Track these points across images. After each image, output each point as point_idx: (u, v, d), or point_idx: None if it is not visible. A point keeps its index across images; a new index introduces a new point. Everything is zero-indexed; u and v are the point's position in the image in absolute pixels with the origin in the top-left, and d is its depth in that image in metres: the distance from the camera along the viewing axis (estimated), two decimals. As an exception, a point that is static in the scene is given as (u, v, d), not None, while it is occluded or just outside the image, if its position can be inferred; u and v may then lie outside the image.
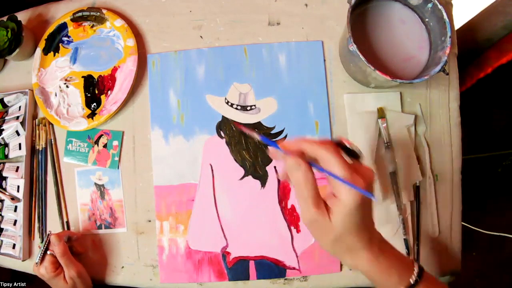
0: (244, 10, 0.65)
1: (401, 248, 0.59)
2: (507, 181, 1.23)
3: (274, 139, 0.61)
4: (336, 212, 0.36)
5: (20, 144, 0.64)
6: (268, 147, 0.43)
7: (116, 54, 0.65)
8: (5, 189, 0.63)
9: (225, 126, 0.62)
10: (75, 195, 0.64)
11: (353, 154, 0.40)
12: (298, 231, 0.60)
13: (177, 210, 0.61)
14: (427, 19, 0.57)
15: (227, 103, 0.63)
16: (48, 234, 0.56)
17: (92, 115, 0.63)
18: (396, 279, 0.38)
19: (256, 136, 0.41)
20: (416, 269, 0.39)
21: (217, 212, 0.61)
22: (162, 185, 0.62)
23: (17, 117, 0.64)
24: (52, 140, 0.65)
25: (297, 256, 0.60)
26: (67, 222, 0.64)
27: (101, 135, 0.64)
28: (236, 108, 0.62)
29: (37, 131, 0.65)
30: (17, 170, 0.64)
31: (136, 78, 0.63)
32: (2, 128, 0.64)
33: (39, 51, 0.66)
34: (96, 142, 0.64)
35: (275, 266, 0.60)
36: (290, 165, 0.37)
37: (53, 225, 0.64)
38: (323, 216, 0.37)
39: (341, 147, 0.39)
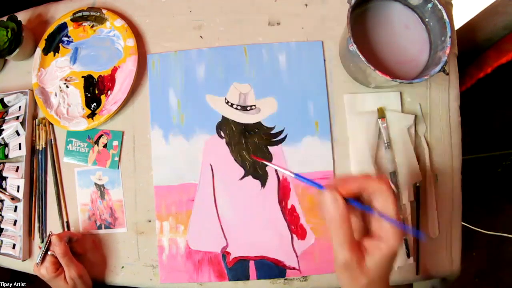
0: (244, 10, 0.65)
1: (401, 248, 0.59)
2: (507, 181, 1.23)
3: (275, 139, 0.62)
4: (376, 255, 0.34)
5: (20, 144, 0.64)
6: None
7: (116, 54, 0.65)
8: (5, 189, 0.63)
9: (225, 126, 0.62)
10: (75, 195, 0.64)
11: None
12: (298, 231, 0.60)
13: (177, 210, 0.61)
14: (427, 19, 0.57)
15: (227, 103, 0.63)
16: (49, 235, 0.55)
17: (92, 115, 0.62)
18: None
19: (289, 173, 0.39)
20: None
21: (217, 212, 0.61)
22: (162, 185, 0.62)
23: (17, 117, 0.64)
24: (52, 140, 0.65)
25: (297, 256, 0.60)
26: (67, 222, 0.64)
27: (101, 135, 0.64)
28: (236, 108, 0.62)
29: (37, 131, 0.65)
30: (17, 170, 0.64)
31: (136, 78, 0.63)
32: (2, 128, 0.64)
33: (39, 51, 0.66)
34: (96, 142, 0.64)
35: (275, 266, 0.60)
36: (325, 199, 0.35)
37: (53, 225, 0.64)
38: (358, 260, 0.34)
39: None
